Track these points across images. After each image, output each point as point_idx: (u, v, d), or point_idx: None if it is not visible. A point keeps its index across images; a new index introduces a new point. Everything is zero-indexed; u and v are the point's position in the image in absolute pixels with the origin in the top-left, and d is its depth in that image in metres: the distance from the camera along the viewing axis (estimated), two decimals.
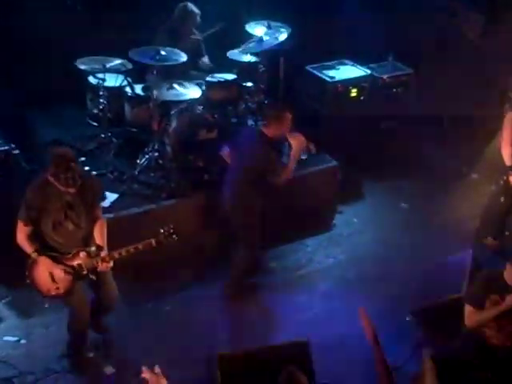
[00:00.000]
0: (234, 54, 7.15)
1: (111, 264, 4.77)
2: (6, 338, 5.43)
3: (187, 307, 5.78)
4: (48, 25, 7.05)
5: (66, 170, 4.39)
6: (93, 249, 4.75)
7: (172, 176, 6.34)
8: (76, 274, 4.74)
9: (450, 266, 6.07)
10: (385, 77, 7.94)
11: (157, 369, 3.45)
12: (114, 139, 6.79)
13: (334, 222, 7.12)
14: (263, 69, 7.18)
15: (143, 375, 3.43)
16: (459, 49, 8.59)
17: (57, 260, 4.69)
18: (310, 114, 7.71)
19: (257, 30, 7.21)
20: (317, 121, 7.63)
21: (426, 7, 8.45)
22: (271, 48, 6.94)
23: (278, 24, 7.34)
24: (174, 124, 6.49)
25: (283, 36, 7.00)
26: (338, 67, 7.86)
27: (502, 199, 6.37)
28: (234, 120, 6.91)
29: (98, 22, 7.32)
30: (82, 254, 4.72)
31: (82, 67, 6.54)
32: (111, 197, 6.14)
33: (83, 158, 6.57)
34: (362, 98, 7.77)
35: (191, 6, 7.13)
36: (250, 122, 7.10)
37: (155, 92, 6.36)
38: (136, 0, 7.46)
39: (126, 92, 6.70)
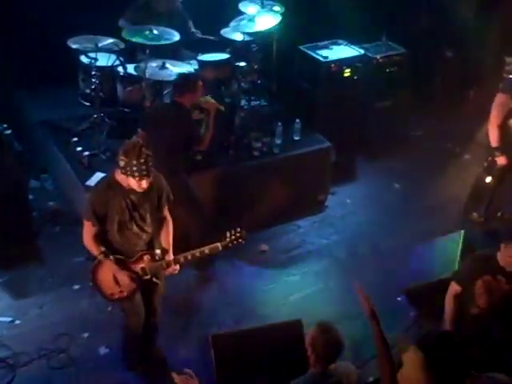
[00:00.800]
0: (227, 32, 7.09)
1: (177, 268, 4.61)
2: (0, 319, 5.43)
3: (179, 289, 5.78)
4: (38, 2, 6.97)
5: (138, 155, 4.14)
6: (158, 252, 4.58)
7: None
8: (140, 278, 4.56)
9: (443, 245, 6.08)
10: (378, 57, 7.90)
11: (186, 370, 3.45)
12: (106, 119, 6.74)
13: (326, 203, 7.12)
14: (256, 48, 7.13)
15: (175, 380, 3.42)
16: (453, 30, 8.57)
17: (122, 263, 4.50)
18: (303, 94, 7.70)
19: (250, 8, 7.15)
20: (310, 100, 7.61)
21: None
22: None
23: (271, 2, 7.29)
24: None
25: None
26: (331, 47, 7.81)
27: (488, 179, 6.43)
28: (227, 100, 6.86)
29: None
30: (146, 258, 4.54)
31: (74, 46, 6.46)
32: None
33: (75, 138, 6.54)
34: (355, 77, 7.74)
35: None
36: (243, 102, 7.08)
37: (148, 71, 6.31)
38: None
39: (118, 72, 6.65)
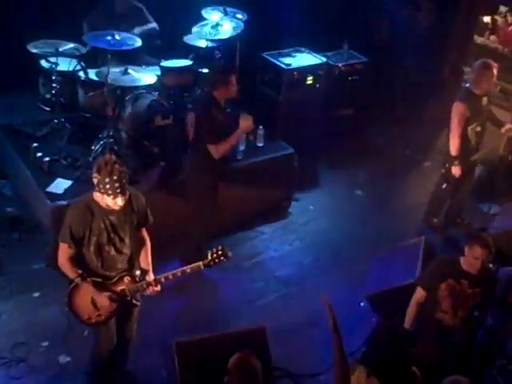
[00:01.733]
0: (190, 38, 7.08)
1: (159, 288, 4.46)
2: None
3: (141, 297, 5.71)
4: None
5: (111, 172, 4.00)
6: (138, 273, 4.47)
7: (127, 163, 6.20)
8: (120, 300, 4.42)
9: (404, 251, 6.15)
10: (340, 65, 7.99)
11: None
12: (67, 124, 6.66)
13: (289, 209, 7.14)
14: (219, 55, 7.13)
15: None
16: (411, 36, 8.72)
17: (101, 286, 4.35)
18: (266, 101, 7.73)
19: (213, 15, 7.15)
20: (273, 108, 7.64)
21: None
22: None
23: (235, 10, 7.30)
24: (128, 110, 6.41)
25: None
26: (294, 55, 7.88)
27: (444, 185, 6.54)
28: (189, 106, 6.84)
29: (50, 3, 7.15)
30: (127, 279, 4.41)
31: (34, 51, 6.38)
32: (65, 183, 6.05)
33: (36, 144, 6.43)
34: (317, 85, 7.80)
35: None
36: None
37: (110, 77, 6.25)
38: None
39: (79, 77, 6.56)
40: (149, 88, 6.50)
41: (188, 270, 4.39)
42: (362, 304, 5.55)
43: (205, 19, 7.06)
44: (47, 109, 6.70)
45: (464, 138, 6.24)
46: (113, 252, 4.33)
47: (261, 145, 7.02)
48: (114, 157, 4.21)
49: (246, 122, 5.72)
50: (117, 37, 6.29)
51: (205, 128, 5.65)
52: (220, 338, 4.72)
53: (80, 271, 4.29)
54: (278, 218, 7.00)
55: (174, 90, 6.67)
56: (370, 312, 5.42)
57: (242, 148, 6.82)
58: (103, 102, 6.36)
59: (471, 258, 4.74)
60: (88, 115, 6.62)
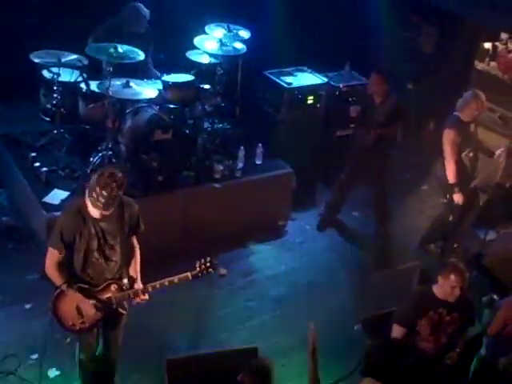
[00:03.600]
0: (192, 54, 7.09)
1: (147, 297, 4.44)
2: None
3: (138, 309, 5.66)
4: (2, 18, 6.87)
5: (104, 186, 4.01)
6: (125, 281, 4.43)
7: (125, 176, 6.23)
8: (105, 308, 4.39)
9: (400, 274, 6.13)
10: (341, 85, 8.01)
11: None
12: (66, 135, 6.66)
13: (286, 228, 7.12)
14: (221, 71, 7.14)
15: None
16: (412, 59, 8.76)
17: (87, 293, 4.33)
18: (266, 119, 7.73)
19: (216, 32, 7.18)
20: (273, 126, 7.64)
21: (384, 19, 8.57)
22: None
23: (238, 27, 7.33)
24: (128, 123, 6.40)
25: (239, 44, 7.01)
26: (295, 74, 7.89)
27: (451, 218, 6.51)
28: (189, 121, 6.85)
29: (53, 14, 7.18)
30: (114, 287, 4.38)
31: (37, 61, 6.38)
32: (61, 194, 6.03)
33: (34, 154, 6.42)
34: (318, 105, 7.81)
35: (141, 7, 6.96)
36: (206, 124, 7.07)
37: (111, 89, 6.25)
38: None
39: (80, 88, 6.56)
40: (150, 102, 6.50)
41: (176, 280, 4.42)
42: (355, 327, 5.52)
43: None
44: (47, 119, 6.68)
45: (459, 164, 6.26)
46: (102, 259, 4.33)
47: (259, 163, 7.03)
48: (115, 172, 4.18)
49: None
50: (119, 49, 6.31)
51: None
52: (211, 357, 4.70)
53: (66, 278, 4.29)
54: (274, 237, 6.98)
55: (175, 105, 6.66)
56: (364, 335, 5.39)
57: (240, 165, 6.82)
58: (103, 114, 6.36)
59: (448, 288, 4.72)
60: (88, 127, 6.63)
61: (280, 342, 5.56)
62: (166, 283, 4.41)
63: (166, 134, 6.33)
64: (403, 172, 8.30)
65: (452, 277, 4.69)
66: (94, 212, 4.13)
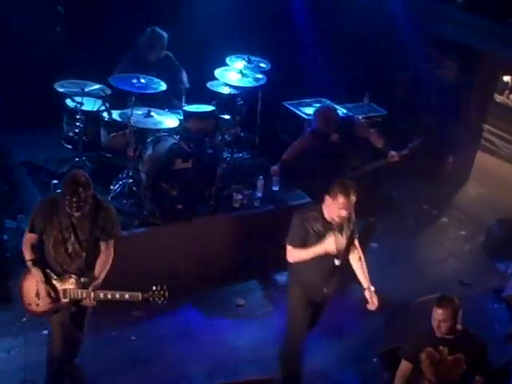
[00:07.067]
0: (213, 85, 7.18)
1: (94, 303, 4.58)
2: None
3: (155, 338, 5.68)
4: (27, 46, 7.00)
5: (72, 193, 4.37)
6: (83, 280, 4.58)
7: (145, 204, 6.30)
8: (57, 298, 4.59)
9: (418, 307, 6.08)
10: (360, 117, 8.04)
11: None
12: (88, 163, 6.73)
13: None
14: (241, 102, 7.22)
15: None
16: (432, 92, 8.79)
17: (47, 278, 4.56)
18: (285, 149, 7.75)
19: (237, 63, 7.28)
20: None
21: (402, 52, 8.64)
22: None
23: (258, 59, 7.42)
24: (149, 152, 6.47)
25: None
26: (314, 105, 7.94)
27: None
28: (209, 151, 6.90)
29: (78, 44, 7.31)
30: (71, 281, 4.57)
31: (61, 90, 6.49)
32: None
33: (56, 181, 6.48)
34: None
35: (159, 31, 7.05)
36: (226, 154, 7.13)
37: (132, 119, 6.33)
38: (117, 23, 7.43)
39: (103, 117, 6.65)
40: (171, 131, 6.58)
41: (126, 296, 4.53)
42: (374, 360, 5.47)
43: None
44: (69, 147, 6.77)
45: None
46: (69, 250, 4.56)
47: (276, 189, 7.02)
48: (77, 176, 4.48)
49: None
50: (142, 80, 6.41)
51: None
52: None
53: (33, 256, 4.58)
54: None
55: (196, 135, 6.73)
56: (382, 368, 5.33)
57: (259, 195, 6.85)
58: (125, 143, 6.44)
59: (436, 321, 4.52)
60: (109, 155, 6.71)
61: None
62: (117, 295, 4.54)
63: (186, 163, 6.38)
64: (422, 204, 8.28)
65: (436, 309, 4.49)
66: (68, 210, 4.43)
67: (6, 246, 6.34)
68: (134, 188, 6.42)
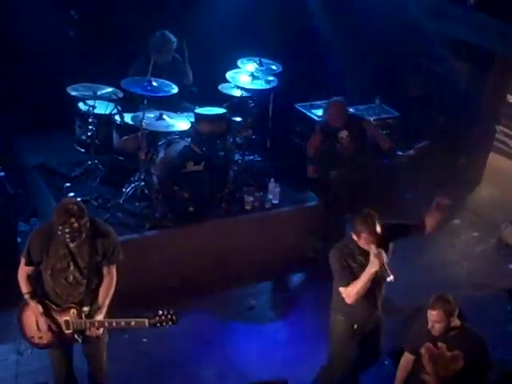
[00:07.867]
0: (224, 87, 7.20)
1: (100, 332, 4.44)
2: None
3: (167, 341, 5.69)
4: (40, 51, 7.06)
5: (63, 223, 4.13)
6: (85, 309, 4.39)
7: (157, 206, 6.33)
8: (60, 330, 4.43)
9: None
10: (372, 119, 8.02)
11: None
12: (100, 166, 6.78)
13: (315, 260, 7.09)
14: (253, 104, 7.24)
15: None
16: (444, 93, 8.76)
17: (47, 310, 4.39)
18: (297, 151, 7.77)
19: (248, 66, 7.29)
20: (304, 158, 7.65)
21: (413, 52, 8.62)
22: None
23: (269, 61, 7.43)
24: (161, 154, 6.50)
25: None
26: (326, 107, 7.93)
27: None
28: (221, 153, 6.93)
29: (90, 48, 7.35)
30: (73, 312, 4.38)
31: (73, 93, 6.54)
32: None
33: (68, 184, 6.55)
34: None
35: (168, 35, 7.08)
36: (237, 156, 7.15)
37: (144, 122, 6.36)
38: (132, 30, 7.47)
39: (115, 120, 6.70)
40: (182, 134, 6.60)
41: (132, 323, 4.38)
42: (386, 362, 5.46)
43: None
44: (82, 150, 6.83)
45: None
46: (70, 279, 4.37)
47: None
48: (69, 205, 4.21)
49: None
50: (153, 83, 6.44)
51: None
52: None
53: (30, 289, 4.39)
54: (302, 269, 6.95)
55: (207, 137, 6.75)
56: (393, 368, 5.32)
57: (270, 197, 6.86)
58: (137, 146, 6.47)
59: (430, 322, 4.52)
60: (121, 158, 6.75)
61: (310, 375, 5.50)
62: (123, 323, 4.38)
63: (197, 166, 6.42)
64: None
65: (429, 312, 4.49)
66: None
67: (19, 249, 6.36)
68: (146, 191, 6.45)
